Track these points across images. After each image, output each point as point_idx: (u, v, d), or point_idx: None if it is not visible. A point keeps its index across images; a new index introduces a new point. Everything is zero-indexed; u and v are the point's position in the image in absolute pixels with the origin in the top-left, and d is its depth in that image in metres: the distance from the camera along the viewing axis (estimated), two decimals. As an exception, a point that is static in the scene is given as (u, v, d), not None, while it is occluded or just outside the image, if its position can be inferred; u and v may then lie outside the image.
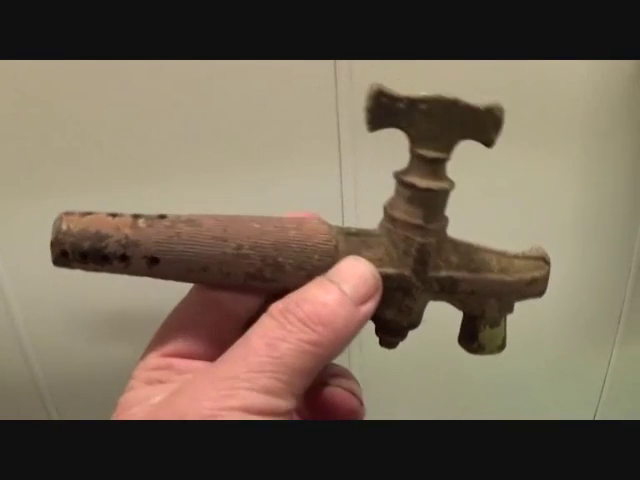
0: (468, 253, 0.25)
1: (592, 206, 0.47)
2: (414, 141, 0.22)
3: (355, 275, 0.21)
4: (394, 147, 0.43)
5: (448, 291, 0.24)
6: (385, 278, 0.22)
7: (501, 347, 0.27)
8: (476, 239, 0.45)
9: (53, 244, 0.20)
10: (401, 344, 0.27)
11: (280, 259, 0.21)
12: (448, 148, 0.22)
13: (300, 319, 0.19)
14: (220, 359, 0.20)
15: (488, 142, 0.22)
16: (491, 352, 0.27)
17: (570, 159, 0.45)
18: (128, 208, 0.22)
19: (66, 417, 0.52)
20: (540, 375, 0.55)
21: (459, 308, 0.26)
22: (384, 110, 0.21)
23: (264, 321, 0.20)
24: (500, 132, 0.22)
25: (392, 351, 0.27)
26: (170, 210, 0.22)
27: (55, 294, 0.46)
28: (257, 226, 0.21)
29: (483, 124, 0.22)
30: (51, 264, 0.23)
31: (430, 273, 0.23)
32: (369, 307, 0.20)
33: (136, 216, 0.21)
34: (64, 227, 0.20)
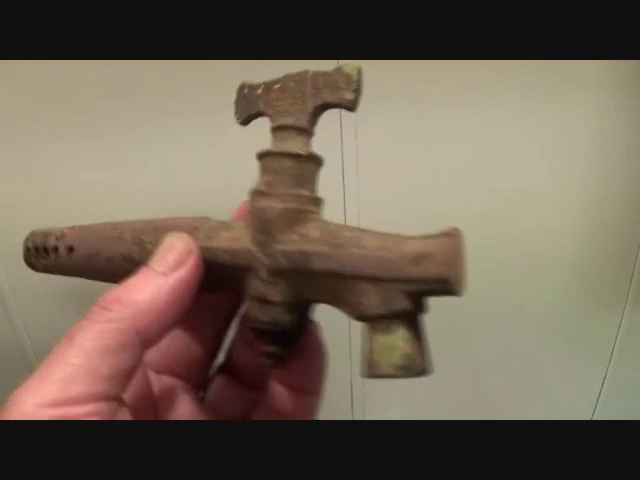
0: (337, 230, 0.20)
1: (604, 165, 0.46)
2: (272, 119, 0.22)
3: (162, 246, 0.21)
4: (395, 100, 0.43)
5: (303, 270, 0.20)
6: (232, 254, 0.21)
7: (403, 368, 0.18)
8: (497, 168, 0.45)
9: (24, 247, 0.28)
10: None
11: (144, 237, 0.23)
12: (304, 117, 0.21)
13: (99, 305, 0.19)
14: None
15: (346, 103, 0.21)
16: (388, 373, 0.18)
17: (590, 101, 0.44)
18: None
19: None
20: (549, 340, 0.54)
21: (333, 304, 0.20)
22: (247, 100, 0.22)
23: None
24: (358, 90, 0.21)
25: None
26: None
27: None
28: (144, 220, 0.24)
29: (336, 86, 0.21)
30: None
31: (276, 245, 0.20)
32: (181, 272, 0.21)
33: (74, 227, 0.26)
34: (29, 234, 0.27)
